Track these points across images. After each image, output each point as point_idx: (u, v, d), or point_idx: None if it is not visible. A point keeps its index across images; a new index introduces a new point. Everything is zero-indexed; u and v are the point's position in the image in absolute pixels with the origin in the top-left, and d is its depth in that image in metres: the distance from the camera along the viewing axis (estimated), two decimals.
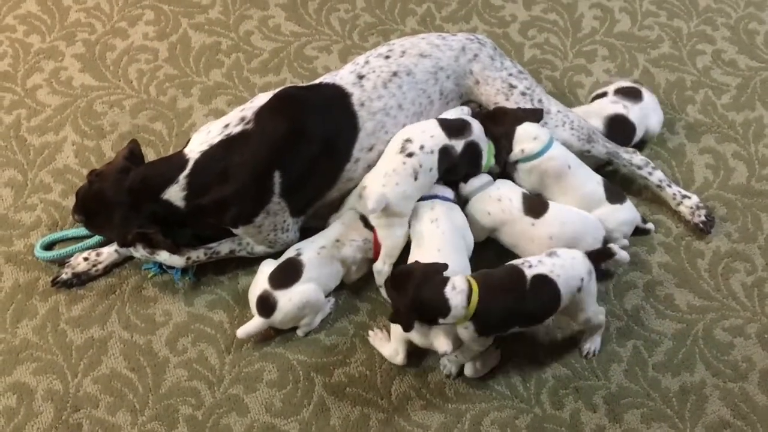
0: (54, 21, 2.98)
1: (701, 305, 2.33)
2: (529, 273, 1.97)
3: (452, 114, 2.32)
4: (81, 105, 2.73)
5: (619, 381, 2.18)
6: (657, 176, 2.47)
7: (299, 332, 2.23)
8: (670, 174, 2.54)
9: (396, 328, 2.10)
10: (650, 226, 2.40)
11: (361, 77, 2.30)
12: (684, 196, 2.45)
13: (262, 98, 2.25)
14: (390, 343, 2.15)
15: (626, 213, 2.31)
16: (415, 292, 1.89)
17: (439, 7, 3.05)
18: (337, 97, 2.26)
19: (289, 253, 2.21)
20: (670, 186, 2.47)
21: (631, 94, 2.57)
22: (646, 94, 2.60)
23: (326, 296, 2.23)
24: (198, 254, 2.29)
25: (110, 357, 2.21)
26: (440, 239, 2.13)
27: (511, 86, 2.39)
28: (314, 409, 2.13)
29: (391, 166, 2.17)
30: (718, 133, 2.70)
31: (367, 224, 2.24)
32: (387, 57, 2.35)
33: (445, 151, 2.19)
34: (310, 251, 2.19)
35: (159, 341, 2.24)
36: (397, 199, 2.14)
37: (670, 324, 2.29)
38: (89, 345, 2.23)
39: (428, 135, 2.20)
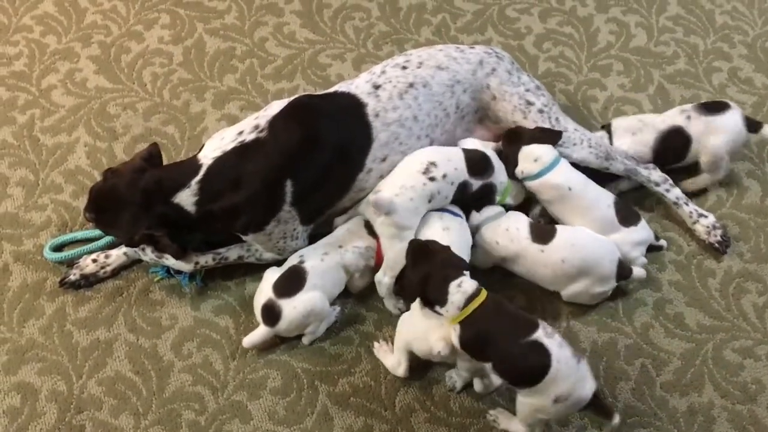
0: (70, 22, 2.99)
1: (711, 325, 2.30)
2: (539, 334, 1.89)
3: (477, 145, 2.33)
4: (94, 107, 2.75)
5: (626, 399, 2.16)
6: (674, 193, 2.45)
7: (304, 340, 2.22)
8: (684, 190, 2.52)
9: (398, 340, 2.08)
10: (662, 243, 2.40)
11: (377, 87, 2.29)
12: (701, 215, 2.43)
13: (277, 106, 2.24)
14: (393, 355, 2.14)
15: (640, 234, 2.30)
16: (427, 273, 1.95)
17: (454, 18, 3.05)
18: (352, 106, 2.25)
19: (293, 261, 2.20)
20: (687, 204, 2.45)
21: (714, 108, 2.49)
22: (730, 114, 2.47)
23: (331, 304, 2.22)
24: (206, 259, 2.29)
25: (115, 359, 2.21)
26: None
27: (529, 103, 2.38)
28: (317, 418, 2.12)
29: (410, 182, 2.16)
30: None
31: (371, 231, 2.23)
32: (404, 68, 2.34)
33: (463, 186, 2.22)
34: (313, 258, 2.19)
35: (164, 345, 2.24)
36: (405, 212, 2.13)
37: (679, 343, 2.26)
38: (95, 347, 2.23)
39: (453, 166, 2.20)
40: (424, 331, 1.99)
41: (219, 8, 3.05)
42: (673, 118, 2.49)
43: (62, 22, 3.00)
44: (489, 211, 2.28)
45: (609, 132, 2.51)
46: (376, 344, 2.20)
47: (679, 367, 2.22)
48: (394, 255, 2.15)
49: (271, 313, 2.13)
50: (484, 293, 1.93)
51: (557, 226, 2.25)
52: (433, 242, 2.05)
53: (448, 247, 2.03)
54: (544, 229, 2.24)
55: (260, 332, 2.16)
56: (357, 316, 2.29)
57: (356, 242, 2.23)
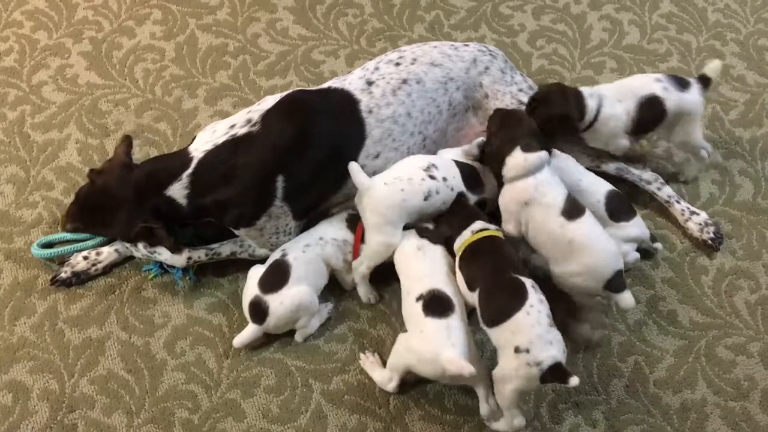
0: (61, 18, 2.97)
1: (704, 322, 2.31)
2: (527, 281, 1.96)
3: (459, 157, 2.30)
4: (86, 103, 2.73)
5: (620, 396, 2.16)
6: (666, 192, 2.46)
7: (297, 337, 2.21)
8: (675, 189, 2.53)
9: (396, 361, 2.06)
10: (658, 245, 2.37)
11: (370, 83, 2.29)
12: (692, 213, 2.44)
13: (270, 101, 2.24)
14: (383, 370, 2.11)
15: (630, 231, 2.27)
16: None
17: (448, 15, 3.04)
18: (345, 103, 2.25)
19: (275, 255, 2.20)
20: (678, 202, 2.46)
21: (681, 83, 2.43)
22: (694, 90, 2.42)
23: (325, 301, 2.22)
24: (199, 254, 2.28)
25: (107, 358, 2.20)
26: (426, 264, 2.12)
27: (521, 102, 2.38)
28: (311, 416, 2.12)
29: (407, 174, 2.15)
30: (725, 149, 2.68)
31: (351, 225, 2.23)
32: (397, 64, 2.34)
33: (461, 196, 2.22)
34: (295, 250, 2.18)
35: (157, 343, 2.23)
36: (391, 201, 2.11)
37: (672, 340, 2.27)
38: (87, 345, 2.22)
39: (452, 174, 2.20)
40: (430, 352, 1.93)
41: (211, 4, 3.03)
42: (648, 85, 2.41)
43: (53, 17, 2.97)
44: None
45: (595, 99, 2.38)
46: (362, 356, 2.18)
47: (672, 364, 2.23)
48: (375, 246, 2.14)
49: (259, 310, 2.12)
50: (497, 232, 2.09)
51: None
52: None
53: (475, 210, 2.15)
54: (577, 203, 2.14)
55: (250, 331, 2.15)
56: (351, 313, 2.29)
57: (335, 235, 2.22)
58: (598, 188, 2.29)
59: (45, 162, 2.57)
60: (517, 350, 1.86)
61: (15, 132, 2.65)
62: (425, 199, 2.15)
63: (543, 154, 2.11)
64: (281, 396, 2.14)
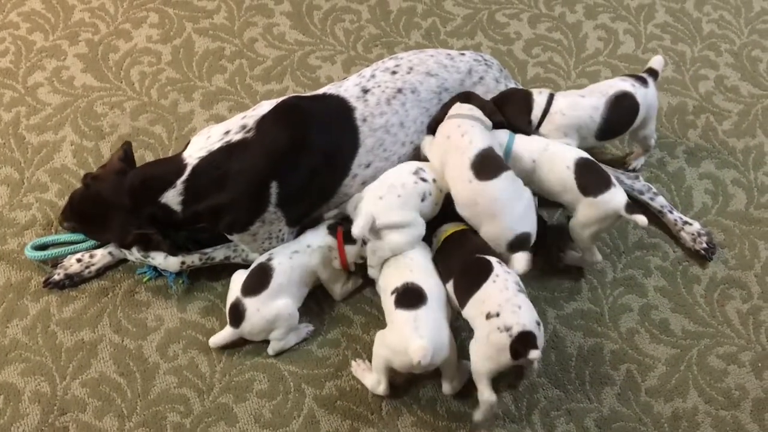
0: (58, 20, 2.97)
1: (696, 331, 2.32)
2: (491, 258, 2.05)
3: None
4: (81, 105, 2.72)
5: (612, 404, 2.17)
6: (659, 202, 2.48)
7: (269, 349, 2.20)
8: (669, 198, 2.54)
9: (376, 359, 2.06)
10: (638, 218, 2.12)
11: (365, 91, 2.29)
12: (685, 223, 2.45)
13: (266, 106, 2.24)
14: (371, 374, 2.12)
15: (609, 204, 2.16)
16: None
17: (444, 22, 3.06)
18: (341, 110, 2.25)
19: (261, 259, 2.20)
20: (671, 212, 2.47)
21: (640, 80, 2.45)
22: (651, 86, 2.46)
23: (308, 321, 2.23)
24: (193, 259, 2.28)
25: (100, 361, 2.19)
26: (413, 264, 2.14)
27: None
28: (304, 421, 2.11)
29: (399, 180, 2.17)
30: (718, 158, 2.70)
31: (332, 232, 2.23)
32: (394, 72, 2.34)
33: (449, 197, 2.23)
34: (281, 255, 2.18)
35: (150, 346, 2.22)
36: (391, 211, 2.12)
37: (664, 349, 2.28)
38: (79, 347, 2.21)
39: (438, 175, 2.21)
40: (400, 343, 1.95)
41: (208, 8, 3.03)
42: (618, 84, 2.42)
43: (49, 19, 2.97)
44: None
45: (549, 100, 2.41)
46: (353, 363, 2.18)
47: (663, 373, 2.23)
48: (398, 245, 2.14)
49: (236, 313, 2.13)
50: (454, 229, 2.18)
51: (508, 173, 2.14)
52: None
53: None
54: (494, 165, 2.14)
55: (226, 333, 2.17)
56: (344, 319, 2.29)
57: (321, 242, 2.22)
58: (566, 154, 2.24)
59: (39, 164, 2.57)
60: (488, 316, 1.93)
61: (10, 133, 2.64)
62: (422, 200, 2.16)
63: (476, 109, 2.23)
64: (274, 401, 2.14)
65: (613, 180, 2.19)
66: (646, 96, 2.42)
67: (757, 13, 3.15)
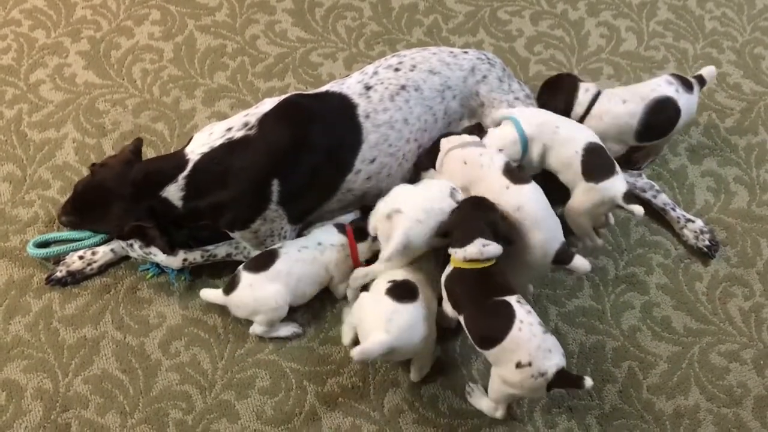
0: (60, 17, 2.97)
1: (698, 328, 2.32)
2: (511, 298, 1.91)
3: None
4: (83, 102, 2.72)
5: (613, 402, 2.17)
6: (661, 199, 2.47)
7: (251, 329, 2.22)
8: (671, 195, 2.54)
9: (351, 317, 2.10)
10: (636, 209, 2.14)
11: (368, 88, 2.29)
12: (688, 220, 2.45)
13: (268, 104, 2.24)
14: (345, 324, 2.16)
15: (608, 191, 2.17)
16: (468, 218, 2.02)
17: (446, 19, 3.05)
18: (343, 107, 2.25)
19: (274, 246, 2.22)
20: (674, 210, 2.47)
21: (686, 85, 2.45)
22: (695, 94, 2.48)
23: (298, 308, 2.24)
24: (194, 256, 2.28)
25: (102, 357, 2.20)
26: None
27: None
28: (305, 418, 2.12)
29: (437, 205, 2.08)
30: (720, 156, 2.70)
31: (341, 230, 2.25)
32: (396, 69, 2.34)
33: None
34: (290, 247, 2.20)
35: (152, 343, 2.22)
36: (423, 238, 2.08)
37: (666, 346, 2.28)
38: (81, 344, 2.21)
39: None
40: (368, 324, 1.97)
41: (210, 5, 3.03)
42: (663, 88, 2.43)
43: (51, 16, 2.97)
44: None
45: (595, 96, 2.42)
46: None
47: (665, 370, 2.23)
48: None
49: (232, 282, 2.16)
50: (489, 263, 1.95)
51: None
52: (488, 200, 2.06)
53: (499, 213, 2.04)
54: (522, 173, 2.16)
55: (215, 294, 2.20)
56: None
57: (332, 240, 2.23)
58: (577, 137, 2.24)
59: (42, 161, 2.57)
60: (518, 365, 1.86)
61: (12, 130, 2.64)
62: None
63: (466, 135, 2.28)
64: (275, 397, 2.15)
65: (617, 168, 2.20)
66: (689, 102, 2.43)
67: (760, 10, 3.14)
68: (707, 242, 2.42)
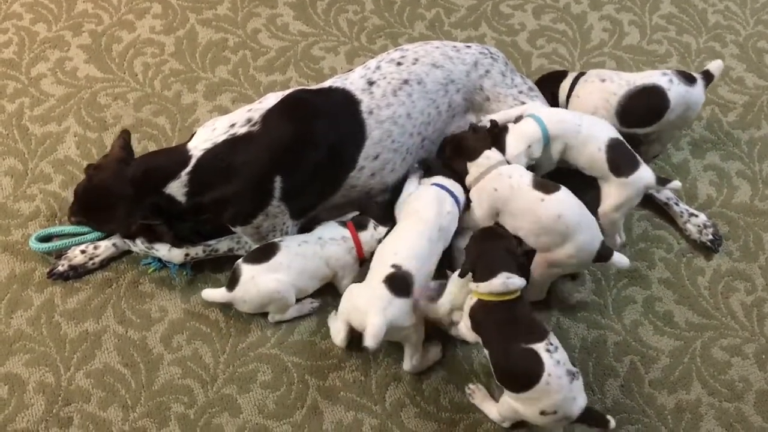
0: (61, 10, 2.96)
1: (700, 323, 2.32)
2: (539, 345, 1.88)
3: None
4: (85, 96, 2.72)
5: (615, 396, 2.17)
6: (664, 194, 2.47)
7: (269, 318, 2.23)
8: (674, 191, 2.53)
9: (341, 308, 2.08)
10: (675, 184, 2.25)
11: (371, 83, 2.28)
12: (691, 215, 2.45)
13: (271, 99, 2.23)
14: (335, 323, 2.17)
15: (637, 183, 2.21)
16: (490, 251, 2.02)
17: (448, 13, 3.04)
18: (346, 104, 2.24)
19: (275, 240, 2.22)
20: (677, 204, 2.47)
21: (686, 78, 2.43)
22: (698, 87, 2.44)
23: (309, 296, 2.25)
24: (196, 251, 2.28)
25: (104, 351, 2.20)
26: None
27: (522, 104, 2.38)
28: (307, 412, 2.12)
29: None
30: (723, 150, 2.69)
31: (342, 223, 2.26)
32: (399, 63, 2.33)
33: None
34: (291, 240, 2.21)
35: (154, 337, 2.23)
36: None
37: (667, 341, 2.28)
38: (83, 338, 2.22)
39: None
40: (363, 306, 1.98)
41: None
42: (654, 77, 2.42)
43: (52, 10, 2.96)
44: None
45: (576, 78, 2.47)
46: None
47: (667, 365, 2.23)
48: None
49: (233, 277, 2.16)
50: (515, 294, 1.95)
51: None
52: (498, 228, 2.11)
53: (513, 239, 2.08)
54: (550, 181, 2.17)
55: (218, 293, 2.20)
56: None
57: (332, 234, 2.23)
58: (600, 135, 2.25)
59: (43, 155, 2.57)
60: (543, 413, 1.87)
61: (13, 124, 2.64)
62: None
63: (493, 151, 2.23)
64: (277, 392, 2.15)
65: (639, 156, 2.23)
66: (687, 95, 2.40)
67: (763, 4, 3.13)
68: (711, 236, 2.42)
